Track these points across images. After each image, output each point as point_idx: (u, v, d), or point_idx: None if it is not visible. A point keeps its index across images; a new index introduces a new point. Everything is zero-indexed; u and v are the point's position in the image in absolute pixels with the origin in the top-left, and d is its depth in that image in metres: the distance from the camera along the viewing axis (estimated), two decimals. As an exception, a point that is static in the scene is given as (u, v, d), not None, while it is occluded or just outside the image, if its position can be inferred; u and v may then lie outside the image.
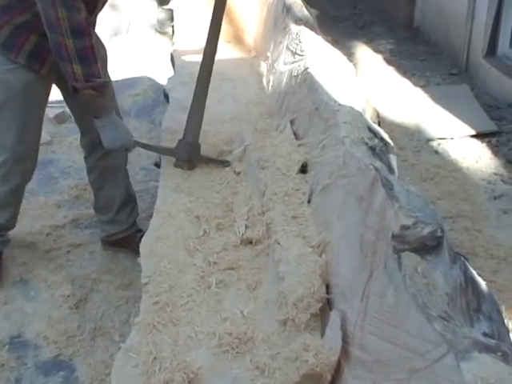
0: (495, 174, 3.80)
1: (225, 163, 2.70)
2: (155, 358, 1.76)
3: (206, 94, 2.78)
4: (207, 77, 2.76)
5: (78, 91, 2.45)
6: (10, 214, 2.95)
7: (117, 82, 4.88)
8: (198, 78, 2.78)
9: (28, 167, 2.84)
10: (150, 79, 5.03)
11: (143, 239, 2.25)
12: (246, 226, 2.28)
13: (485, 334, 1.44)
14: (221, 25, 2.77)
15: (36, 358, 2.63)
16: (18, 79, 2.57)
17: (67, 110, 3.70)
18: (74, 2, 2.27)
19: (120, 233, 3.15)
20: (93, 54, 2.39)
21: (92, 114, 2.60)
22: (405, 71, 5.20)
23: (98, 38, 2.78)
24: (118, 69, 4.94)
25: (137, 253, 2.29)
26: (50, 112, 4.17)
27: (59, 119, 4.42)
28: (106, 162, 2.99)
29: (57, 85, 2.80)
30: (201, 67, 2.78)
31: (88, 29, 2.36)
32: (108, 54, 2.91)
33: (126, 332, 2.59)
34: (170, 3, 4.51)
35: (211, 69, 2.77)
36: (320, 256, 1.93)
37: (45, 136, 4.12)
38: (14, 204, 2.94)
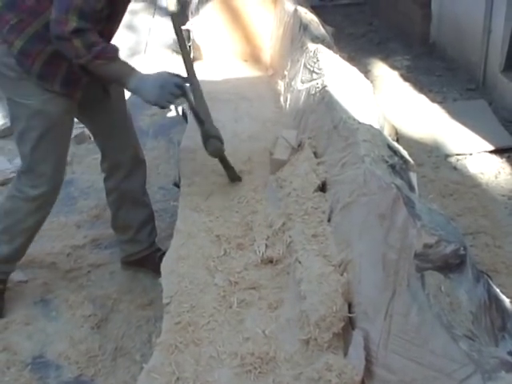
0: (515, 189, 3.77)
1: (238, 178, 2.71)
2: (178, 378, 1.76)
3: None
4: None
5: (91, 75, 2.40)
6: (26, 245, 2.92)
7: (134, 102, 4.99)
8: None
9: (56, 198, 2.85)
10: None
11: (164, 259, 2.26)
12: (267, 245, 2.28)
13: (510, 354, 1.43)
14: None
15: (58, 379, 2.63)
16: (57, 108, 2.57)
17: (86, 130, 3.75)
18: None
19: (139, 252, 3.14)
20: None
21: (119, 85, 2.54)
22: (422, 87, 5.20)
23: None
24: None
25: (156, 272, 2.30)
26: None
27: (78, 140, 4.45)
28: (126, 185, 2.97)
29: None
30: None
31: None
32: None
33: (147, 352, 2.60)
34: (187, 23, 4.54)
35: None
36: (341, 275, 1.93)
37: (64, 156, 4.16)
38: (33, 236, 2.91)
